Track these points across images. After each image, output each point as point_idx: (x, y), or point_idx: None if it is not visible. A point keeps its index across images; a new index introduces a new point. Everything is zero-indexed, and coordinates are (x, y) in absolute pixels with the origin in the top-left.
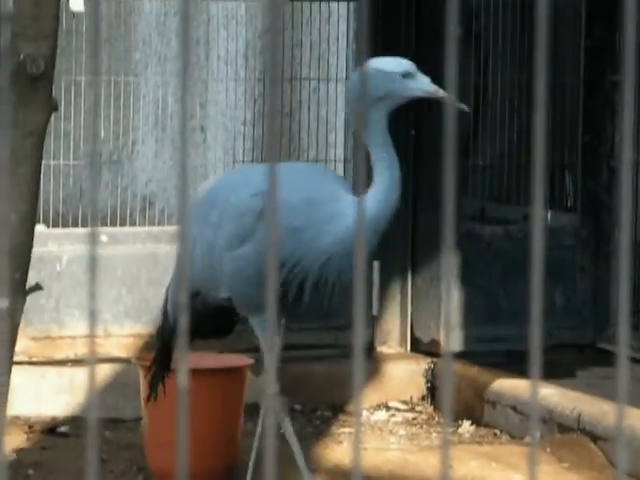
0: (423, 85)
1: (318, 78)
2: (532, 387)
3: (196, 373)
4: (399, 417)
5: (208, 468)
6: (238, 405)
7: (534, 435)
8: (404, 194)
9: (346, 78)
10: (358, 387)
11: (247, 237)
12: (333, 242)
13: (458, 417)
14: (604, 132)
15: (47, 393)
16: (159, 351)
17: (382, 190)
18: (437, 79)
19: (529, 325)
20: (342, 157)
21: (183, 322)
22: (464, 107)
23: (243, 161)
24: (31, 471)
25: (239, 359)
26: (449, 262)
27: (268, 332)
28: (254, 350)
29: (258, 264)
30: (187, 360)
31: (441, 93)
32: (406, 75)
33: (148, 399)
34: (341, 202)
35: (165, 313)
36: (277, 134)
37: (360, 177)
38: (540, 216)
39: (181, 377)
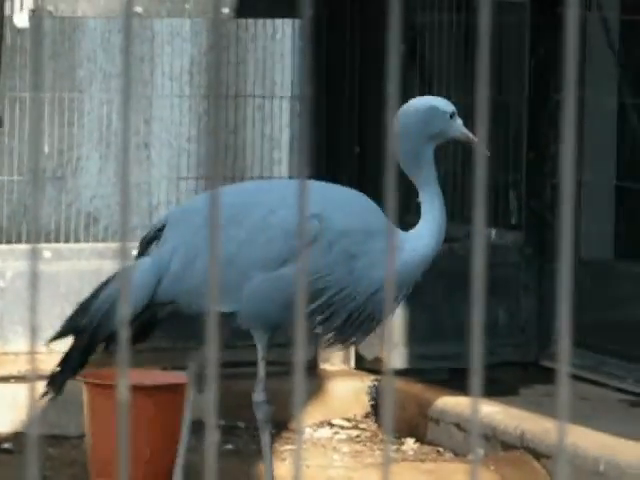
0: (461, 127)
1: (263, 95)
2: (472, 404)
3: (138, 390)
4: (343, 434)
5: None
6: (179, 422)
7: (476, 452)
8: None
9: (291, 95)
10: (299, 404)
11: (290, 259)
12: (386, 275)
13: (401, 434)
14: (547, 150)
15: None
16: (75, 351)
17: (436, 228)
18: (381, 97)
19: (470, 342)
20: (286, 174)
21: (124, 337)
22: (488, 152)
23: (187, 178)
24: None
25: (179, 376)
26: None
27: (267, 348)
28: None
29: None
30: (127, 376)
31: (472, 137)
32: (452, 115)
33: (45, 395)
34: (396, 235)
35: (90, 317)
36: (220, 151)
37: (390, 212)
38: (481, 234)
39: (121, 392)
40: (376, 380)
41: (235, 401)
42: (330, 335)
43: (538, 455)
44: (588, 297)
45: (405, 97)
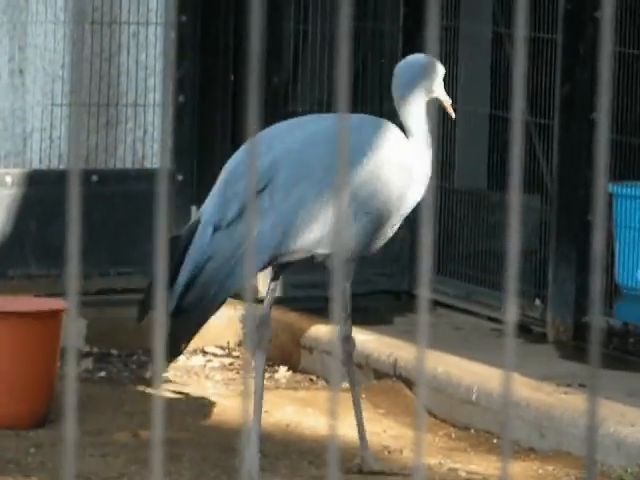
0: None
1: (137, 22)
2: (335, 330)
3: (7, 316)
4: (216, 362)
5: (22, 412)
6: (53, 349)
7: (334, 378)
8: (222, 138)
9: (165, 22)
10: (159, 336)
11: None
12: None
13: (275, 363)
14: None
15: None
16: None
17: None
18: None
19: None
20: (160, 101)
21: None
22: (452, 114)
23: (61, 105)
24: None
25: (54, 303)
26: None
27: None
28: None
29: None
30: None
31: (449, 102)
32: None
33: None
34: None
35: (200, 292)
36: (84, 78)
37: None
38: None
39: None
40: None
41: (108, 328)
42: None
43: (410, 383)
44: (461, 227)
45: (281, 25)
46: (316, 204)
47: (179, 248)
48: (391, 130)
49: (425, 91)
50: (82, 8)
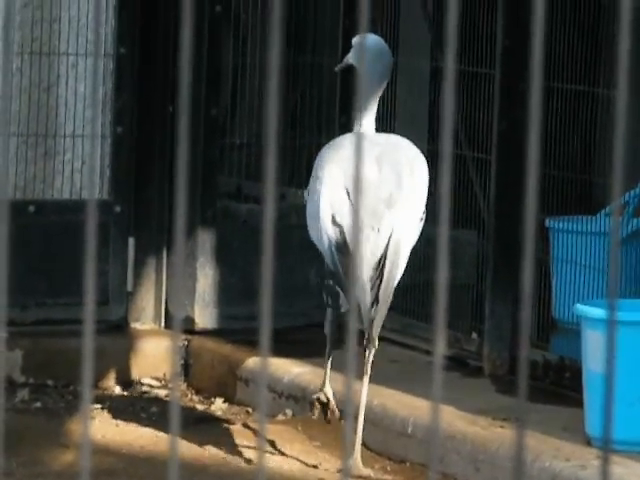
0: None
1: (76, 53)
2: (261, 362)
3: None
4: (152, 394)
5: None
6: None
7: (262, 412)
8: (161, 170)
9: (104, 54)
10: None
11: None
12: None
13: (211, 394)
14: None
15: None
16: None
17: None
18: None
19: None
20: (100, 132)
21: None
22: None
23: None
24: None
25: None
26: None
27: None
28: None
29: None
30: None
31: None
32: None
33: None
34: None
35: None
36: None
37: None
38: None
39: None
40: (186, 340)
41: (44, 359)
42: None
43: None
44: None
45: (220, 57)
46: None
47: None
48: None
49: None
50: (11, 39)
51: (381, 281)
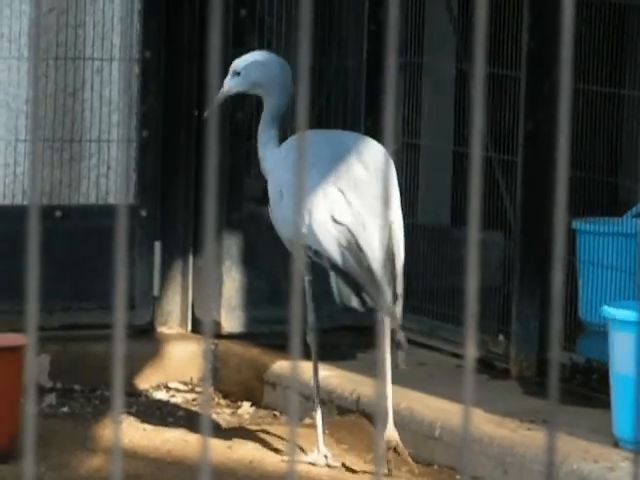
0: None
1: (102, 58)
2: (292, 366)
3: None
4: (179, 398)
5: None
6: (16, 385)
7: (293, 414)
8: (186, 174)
9: (130, 59)
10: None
11: None
12: None
13: (238, 398)
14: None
15: None
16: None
17: None
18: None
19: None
20: (125, 137)
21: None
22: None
23: (25, 141)
24: None
25: (16, 338)
26: (230, 243)
27: None
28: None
29: None
30: None
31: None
32: None
33: None
34: None
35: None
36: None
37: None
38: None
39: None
40: (213, 344)
41: (71, 364)
42: None
43: (373, 419)
44: (424, 263)
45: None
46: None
47: None
48: None
49: None
50: (39, 45)
51: (394, 275)
